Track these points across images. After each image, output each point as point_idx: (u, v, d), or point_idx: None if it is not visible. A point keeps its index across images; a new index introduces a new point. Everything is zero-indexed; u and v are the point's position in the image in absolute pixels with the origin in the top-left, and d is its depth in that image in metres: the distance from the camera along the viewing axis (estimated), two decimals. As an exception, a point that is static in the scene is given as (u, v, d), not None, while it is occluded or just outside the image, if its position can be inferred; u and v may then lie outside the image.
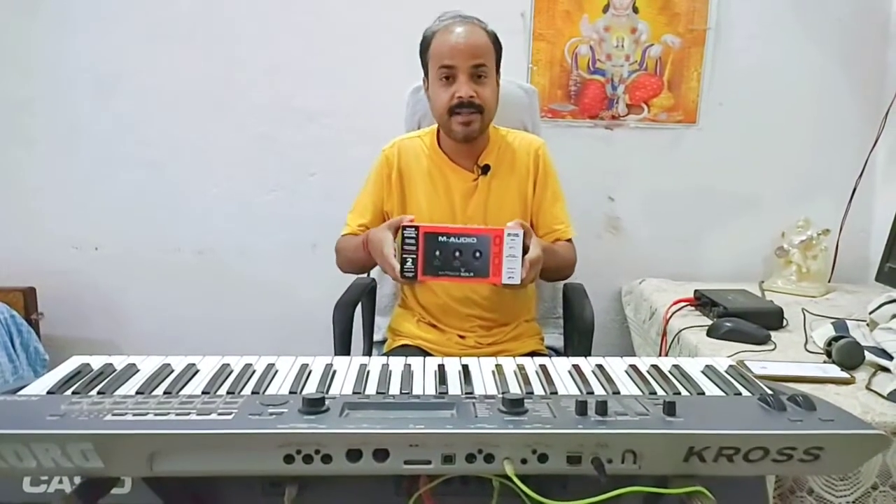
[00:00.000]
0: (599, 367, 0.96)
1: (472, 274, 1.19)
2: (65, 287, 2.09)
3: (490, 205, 1.49)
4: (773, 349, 1.45)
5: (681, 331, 1.58)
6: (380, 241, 1.30)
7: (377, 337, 1.81)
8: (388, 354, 1.58)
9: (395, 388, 0.87)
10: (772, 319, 1.57)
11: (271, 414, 0.75)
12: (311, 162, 2.10)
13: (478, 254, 1.20)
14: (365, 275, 1.74)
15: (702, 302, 1.71)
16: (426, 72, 1.49)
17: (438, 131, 1.54)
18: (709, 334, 1.52)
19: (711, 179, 2.14)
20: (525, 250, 1.23)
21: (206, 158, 2.09)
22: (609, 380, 0.91)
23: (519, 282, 1.20)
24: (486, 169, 1.49)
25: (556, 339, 1.83)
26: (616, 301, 2.19)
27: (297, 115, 2.07)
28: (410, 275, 1.21)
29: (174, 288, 2.14)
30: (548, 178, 1.53)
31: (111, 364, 0.93)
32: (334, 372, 0.94)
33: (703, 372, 0.96)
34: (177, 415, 0.75)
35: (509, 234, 1.19)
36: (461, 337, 1.52)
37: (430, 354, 1.50)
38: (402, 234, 1.22)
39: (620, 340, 2.17)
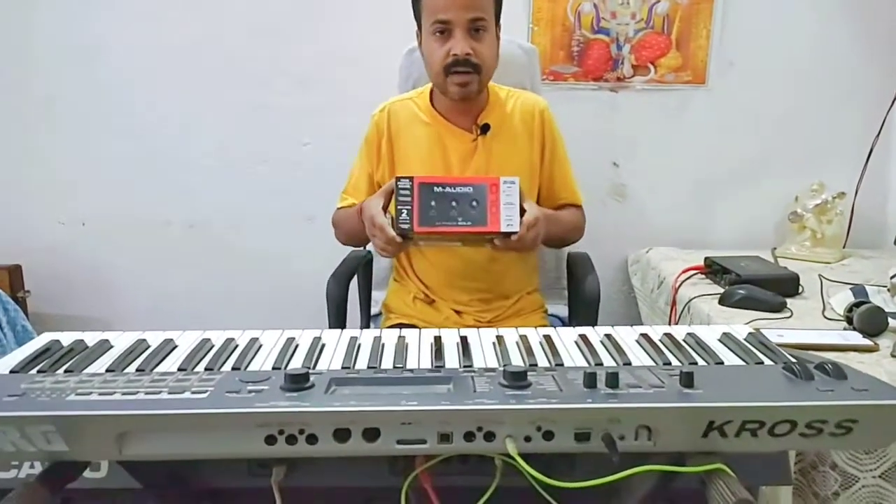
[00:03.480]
0: (608, 336, 0.90)
1: (469, 222, 1.15)
2: (52, 264, 2.03)
3: (492, 167, 1.40)
4: (789, 317, 1.38)
5: (691, 299, 1.52)
6: (369, 206, 1.24)
7: (374, 311, 1.76)
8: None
9: (387, 362, 0.81)
10: (787, 286, 1.50)
11: (250, 391, 0.69)
12: (303, 131, 2.03)
13: (475, 203, 1.16)
14: (361, 247, 1.68)
15: (712, 269, 1.64)
16: (419, 25, 1.38)
17: (432, 91, 1.45)
18: (721, 302, 1.46)
19: (721, 142, 2.06)
20: (522, 212, 1.18)
21: (194, 128, 2.01)
22: (619, 350, 0.84)
23: (518, 229, 1.16)
24: (485, 128, 1.40)
25: (560, 309, 1.77)
26: (622, 271, 2.13)
27: (288, 81, 1.99)
28: (406, 226, 1.15)
29: (165, 262, 2.08)
30: (555, 142, 1.46)
31: (82, 340, 0.87)
32: (322, 346, 0.87)
33: (720, 340, 0.90)
34: (146, 393, 0.69)
35: (505, 182, 1.17)
36: (457, 313, 1.45)
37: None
38: (397, 185, 1.17)
39: (627, 311, 2.11)
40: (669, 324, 1.60)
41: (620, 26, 1.98)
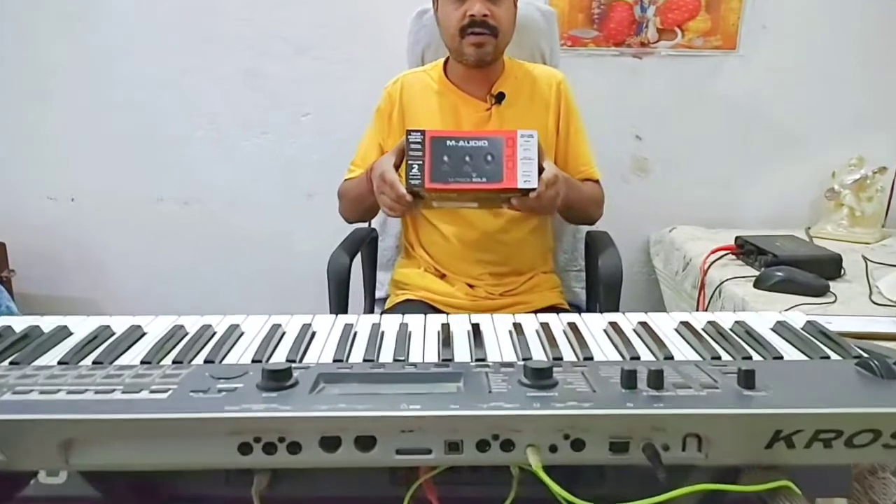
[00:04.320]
0: (643, 324, 0.78)
1: (484, 179, 1.09)
2: (38, 241, 1.93)
3: None
4: (833, 301, 1.26)
5: (723, 282, 1.39)
6: (380, 163, 1.17)
7: (379, 294, 1.65)
8: (390, 311, 1.43)
9: (386, 355, 0.70)
10: (828, 268, 1.38)
11: (221, 391, 0.58)
12: (303, 100, 1.91)
13: (489, 157, 1.09)
14: (365, 224, 1.57)
15: (745, 250, 1.51)
16: None
17: (446, 62, 1.41)
18: (756, 285, 1.34)
19: (752, 113, 1.92)
20: (541, 171, 1.11)
21: (187, 99, 1.90)
22: (657, 341, 0.72)
23: (536, 185, 1.09)
24: (500, 97, 1.36)
25: (577, 293, 1.66)
26: (643, 252, 2.01)
27: (286, 47, 1.87)
28: (417, 181, 1.09)
29: (158, 241, 1.97)
30: (571, 114, 1.42)
31: (38, 326, 0.76)
32: (313, 334, 0.76)
33: (774, 330, 0.78)
34: (97, 393, 0.58)
35: (523, 136, 1.09)
36: (470, 286, 1.39)
37: (437, 309, 1.35)
38: (407, 139, 1.10)
39: (648, 295, 1.99)
40: (697, 309, 1.47)
41: (645, -14, 1.84)
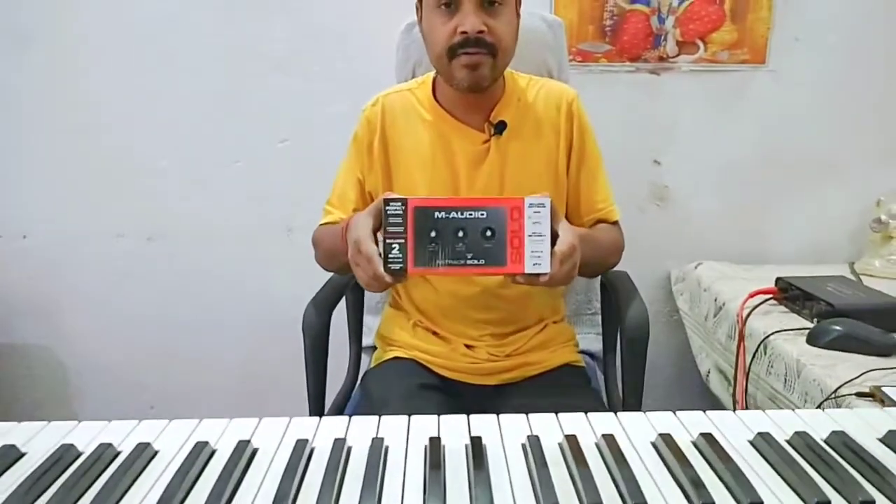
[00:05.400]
0: (708, 438, 0.57)
1: (482, 262, 0.88)
2: (-15, 284, 1.74)
3: (508, 175, 1.15)
4: (906, 363, 1.05)
5: (768, 335, 1.18)
6: (356, 226, 0.95)
7: (367, 341, 1.45)
8: (377, 368, 1.23)
9: (349, 499, 0.48)
10: (892, 319, 1.16)
11: None
12: (280, 124, 1.71)
13: (489, 232, 0.89)
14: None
15: (789, 295, 1.30)
16: None
17: (434, 80, 1.20)
18: (810, 341, 1.13)
19: (784, 134, 1.72)
20: (553, 237, 0.90)
21: (150, 123, 1.69)
22: (734, 471, 0.51)
23: (548, 269, 0.89)
24: (500, 127, 1.15)
25: (591, 340, 1.45)
26: (663, 290, 1.80)
27: (261, 64, 1.67)
28: (398, 266, 0.88)
29: (118, 281, 1.75)
30: (585, 142, 1.21)
31: None
32: (251, 457, 0.55)
33: (886, 444, 0.57)
34: None
35: (532, 205, 0.88)
36: (469, 347, 1.18)
37: (430, 370, 1.15)
38: (385, 210, 0.88)
39: (669, 340, 1.78)
40: (737, 365, 1.26)
41: (663, -6, 1.66)
